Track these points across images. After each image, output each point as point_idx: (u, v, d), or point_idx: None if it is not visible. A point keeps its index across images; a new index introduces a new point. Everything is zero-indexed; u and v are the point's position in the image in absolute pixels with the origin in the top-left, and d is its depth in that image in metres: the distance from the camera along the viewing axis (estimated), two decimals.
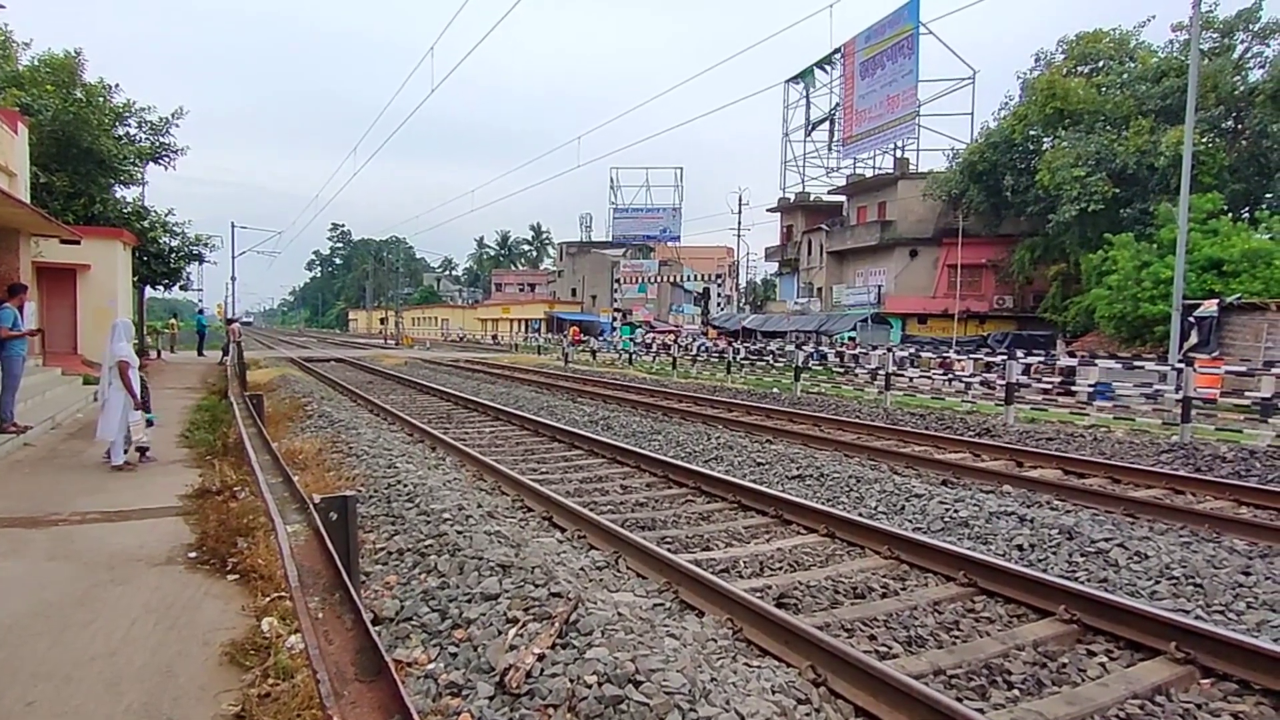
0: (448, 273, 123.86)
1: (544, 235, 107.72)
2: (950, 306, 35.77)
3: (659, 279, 64.36)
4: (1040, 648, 3.94)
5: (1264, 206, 27.12)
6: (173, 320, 40.30)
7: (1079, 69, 32.56)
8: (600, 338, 43.91)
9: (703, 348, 33.47)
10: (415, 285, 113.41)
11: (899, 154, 41.64)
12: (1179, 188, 18.40)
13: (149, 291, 28.41)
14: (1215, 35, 28.77)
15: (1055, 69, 32.50)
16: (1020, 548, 5.71)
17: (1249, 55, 28.97)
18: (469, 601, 4.08)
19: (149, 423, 8.68)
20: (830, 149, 46.03)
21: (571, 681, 3.11)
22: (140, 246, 22.70)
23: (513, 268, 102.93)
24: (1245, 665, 3.56)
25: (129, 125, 23.36)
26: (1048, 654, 3.89)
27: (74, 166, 20.17)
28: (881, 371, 17.59)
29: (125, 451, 8.10)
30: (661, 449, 10.06)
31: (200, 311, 39.57)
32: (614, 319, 57.23)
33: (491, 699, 3.13)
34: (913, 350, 23.78)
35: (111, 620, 4.03)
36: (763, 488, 7.20)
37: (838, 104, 44.40)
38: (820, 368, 23.07)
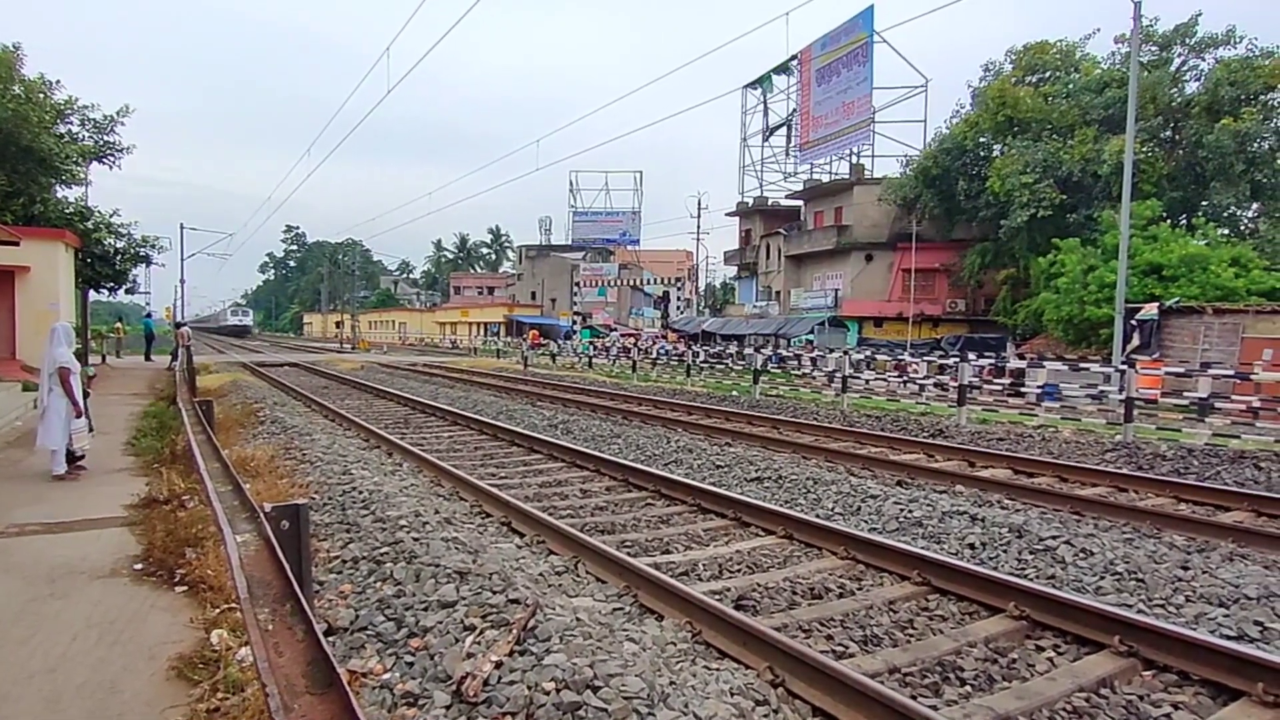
0: (405, 275, 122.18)
1: (503, 238, 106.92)
2: (905, 310, 36.45)
3: (619, 282, 64.38)
4: (991, 644, 4.04)
5: (1200, 214, 28.11)
6: (118, 324, 39.00)
7: (1027, 79, 33.44)
8: (557, 340, 43.74)
9: (662, 351, 33.59)
10: (372, 288, 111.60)
11: (854, 159, 42.33)
12: (1121, 195, 19.03)
13: (93, 294, 27.45)
14: (1154, 48, 29.82)
15: (1004, 79, 33.34)
16: (972, 546, 5.84)
17: (1185, 68, 30.09)
18: (425, 609, 4.03)
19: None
20: (787, 154, 46.55)
21: (529, 689, 3.10)
22: (83, 248, 21.95)
23: (471, 271, 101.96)
24: (1184, 657, 3.70)
25: (71, 123, 22.56)
26: (998, 650, 3.98)
27: (12, 165, 19.42)
28: (838, 374, 17.85)
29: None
30: (621, 452, 10.06)
31: (148, 315, 38.44)
32: (574, 322, 57.11)
33: (448, 708, 3.09)
34: (869, 353, 24.19)
35: (51, 636, 3.89)
36: (722, 490, 7.24)
37: (795, 110, 44.94)
38: (779, 370, 23.30)
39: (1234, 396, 12.95)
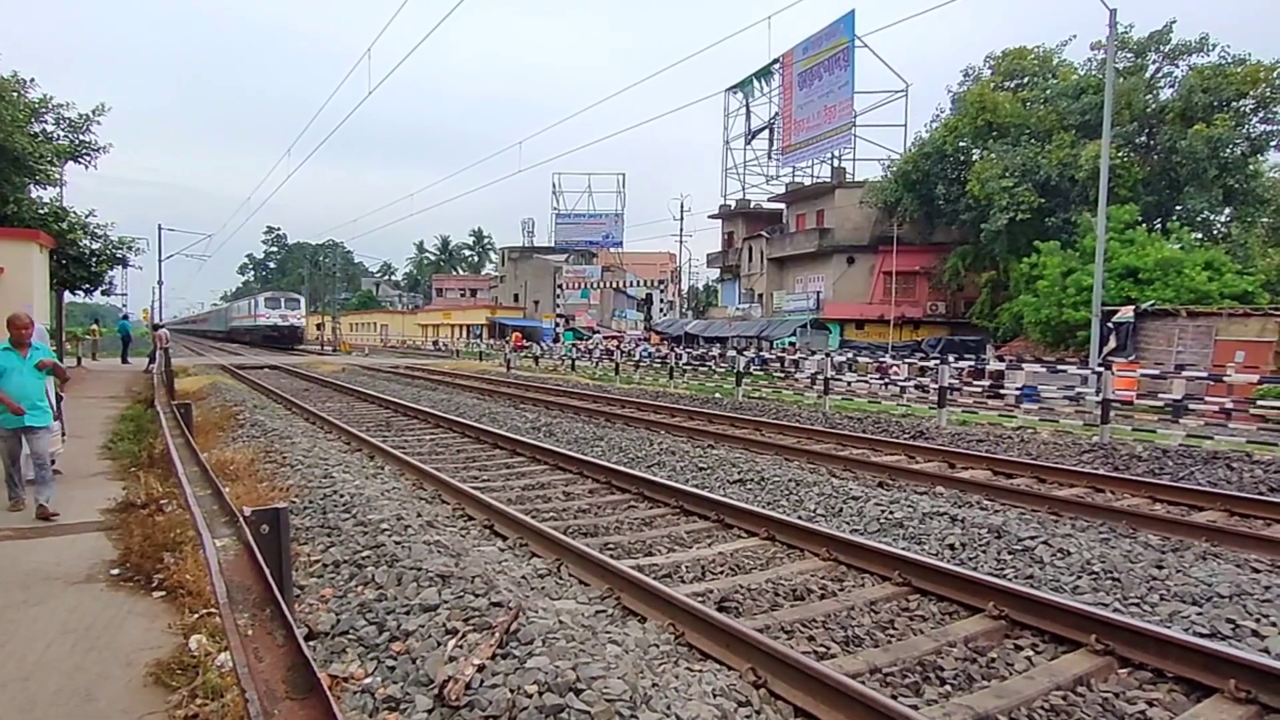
0: (387, 277, 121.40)
1: (486, 240, 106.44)
2: (886, 312, 36.71)
3: (601, 284, 64.36)
4: (971, 644, 4.08)
5: (1175, 218, 28.53)
6: (94, 326, 38.44)
7: (1005, 84, 33.84)
8: (541, 343, 43.64)
9: (645, 353, 33.61)
10: (353, 290, 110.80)
11: (836, 163, 42.61)
12: (1098, 199, 19.27)
13: (69, 296, 27.06)
14: (1130, 55, 30.27)
15: (983, 84, 33.69)
16: (952, 547, 5.89)
17: (1160, 75, 30.56)
18: (407, 613, 4.01)
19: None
20: (770, 157, 46.76)
21: (512, 692, 3.09)
22: (58, 249, 21.63)
23: (454, 273, 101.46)
24: (1159, 655, 3.76)
25: (46, 122, 22.19)
26: (978, 650, 4.02)
27: None
28: (820, 376, 17.96)
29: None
30: (604, 455, 10.06)
31: (124, 317, 37.92)
32: (557, 324, 57.03)
33: (430, 712, 3.09)
34: (850, 355, 24.35)
35: (25, 643, 3.83)
36: (704, 492, 7.25)
37: (777, 113, 45.16)
38: (761, 372, 23.37)
39: (1207, 398, 13.17)
